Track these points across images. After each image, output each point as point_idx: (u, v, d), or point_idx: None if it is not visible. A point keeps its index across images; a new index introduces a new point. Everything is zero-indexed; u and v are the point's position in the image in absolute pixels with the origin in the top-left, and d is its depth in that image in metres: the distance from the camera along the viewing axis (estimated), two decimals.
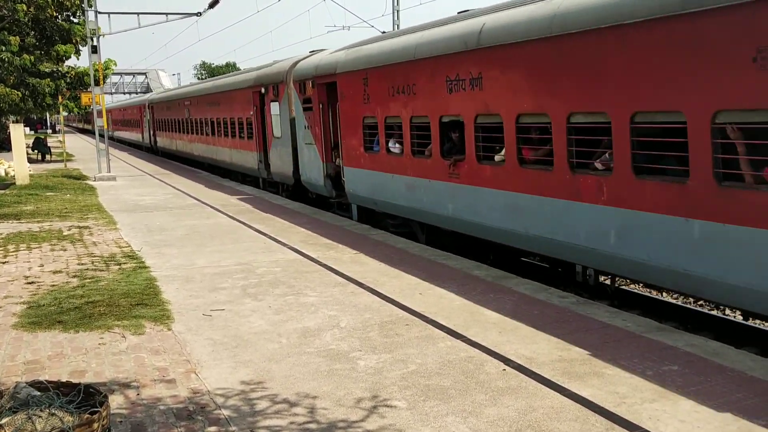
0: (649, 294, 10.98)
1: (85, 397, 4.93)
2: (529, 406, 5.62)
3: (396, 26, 33.67)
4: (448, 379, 6.24)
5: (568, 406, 5.59)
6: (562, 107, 9.10)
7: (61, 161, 36.19)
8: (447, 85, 11.49)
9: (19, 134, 25.56)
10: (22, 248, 13.07)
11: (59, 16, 29.69)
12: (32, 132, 77.89)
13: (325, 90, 16.70)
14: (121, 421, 5.48)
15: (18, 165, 25.30)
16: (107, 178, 27.03)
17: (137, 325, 8.06)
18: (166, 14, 30.55)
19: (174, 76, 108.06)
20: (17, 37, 28.30)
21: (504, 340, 7.21)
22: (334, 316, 8.27)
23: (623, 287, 10.99)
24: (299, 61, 19.19)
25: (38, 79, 31.21)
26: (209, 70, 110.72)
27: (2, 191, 22.64)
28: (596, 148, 8.84)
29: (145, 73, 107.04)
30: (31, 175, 26.18)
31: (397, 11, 34.37)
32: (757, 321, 9.17)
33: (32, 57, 29.70)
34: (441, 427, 5.32)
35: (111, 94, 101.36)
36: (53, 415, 4.60)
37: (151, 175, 29.23)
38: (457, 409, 5.61)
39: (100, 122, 28.56)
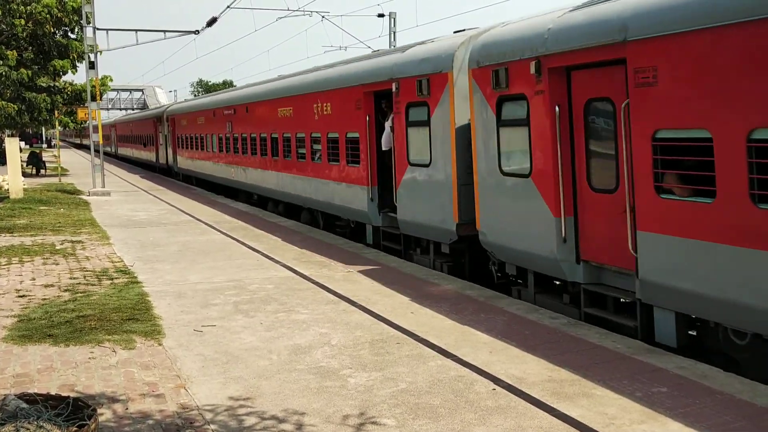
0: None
1: (73, 410, 4.92)
2: (518, 425, 5.63)
3: (393, 46, 33.88)
4: (438, 397, 6.25)
5: (556, 427, 5.60)
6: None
7: (56, 176, 36.17)
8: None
9: (14, 148, 25.55)
10: (14, 262, 13.05)
11: (57, 32, 29.80)
12: (27, 146, 77.78)
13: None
14: None
15: (12, 179, 25.27)
16: (101, 193, 27.01)
17: (128, 339, 8.05)
18: (164, 32, 30.72)
19: (171, 93, 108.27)
20: (14, 51, 28.37)
21: (494, 359, 7.23)
22: (326, 333, 8.28)
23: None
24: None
25: (35, 94, 31.25)
26: (206, 88, 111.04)
27: None
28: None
29: (142, 90, 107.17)
30: (25, 189, 26.13)
31: (394, 32, 34.65)
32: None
33: (29, 72, 29.76)
34: None
35: (107, 109, 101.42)
36: (41, 427, 4.60)
37: (145, 190, 29.24)
38: (446, 428, 5.62)
39: (96, 137, 28.59)
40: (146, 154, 45.36)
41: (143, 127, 46.27)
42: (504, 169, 9.90)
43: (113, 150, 64.30)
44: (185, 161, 33.36)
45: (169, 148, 36.79)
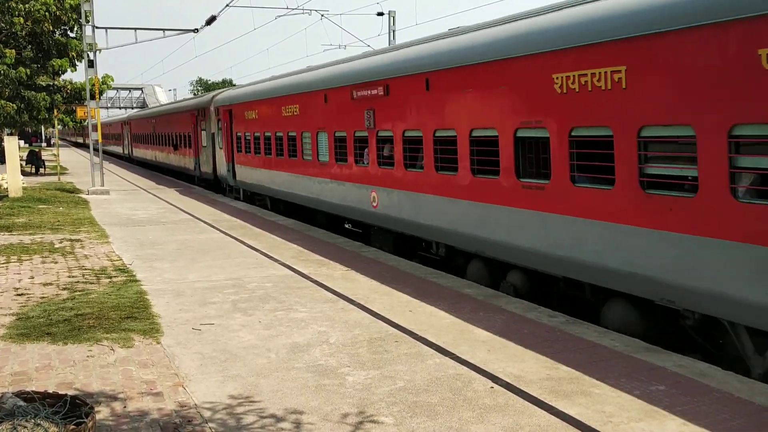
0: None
1: (71, 408, 4.92)
2: (516, 423, 5.63)
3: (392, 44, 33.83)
4: (436, 396, 6.24)
5: (554, 425, 5.60)
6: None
7: (55, 174, 36.15)
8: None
9: (13, 147, 25.53)
10: (13, 260, 13.04)
11: (56, 31, 29.77)
12: (27, 145, 77.82)
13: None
14: None
15: (11, 177, 25.25)
16: (101, 192, 27.01)
17: (126, 338, 8.05)
18: (163, 30, 30.68)
19: (170, 92, 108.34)
20: (13, 50, 28.34)
21: (493, 358, 7.22)
22: (324, 332, 8.28)
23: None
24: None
25: (34, 93, 31.22)
26: (205, 87, 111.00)
27: None
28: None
29: (141, 89, 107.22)
30: (24, 188, 26.12)
31: (393, 31, 34.64)
32: None
33: (28, 70, 29.73)
34: None
35: (107, 108, 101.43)
36: (38, 425, 4.59)
37: (144, 189, 29.23)
38: (444, 426, 5.61)
39: (95, 136, 28.58)
40: (178, 160, 35.02)
41: (174, 124, 35.35)
42: None
43: (126, 152, 55.20)
44: (252, 173, 22.79)
45: (220, 152, 26.45)
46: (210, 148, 28.02)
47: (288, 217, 19.13)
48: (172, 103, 48.01)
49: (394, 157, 13.23)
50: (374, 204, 14.02)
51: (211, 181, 28.53)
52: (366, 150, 14.36)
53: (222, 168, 26.49)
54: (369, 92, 13.99)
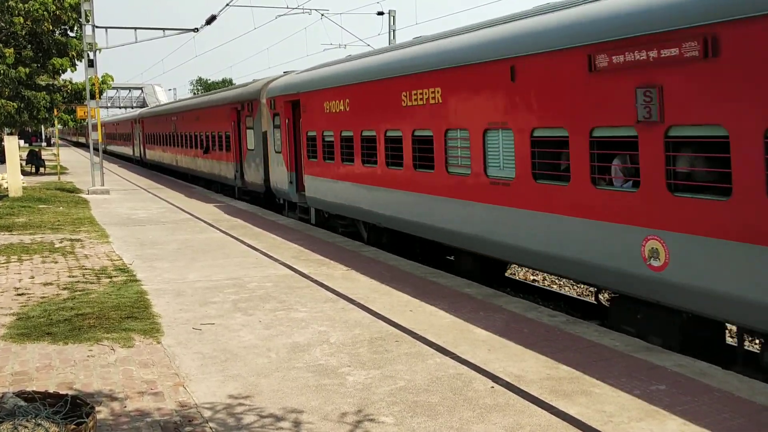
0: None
1: (71, 408, 4.92)
2: (517, 423, 5.63)
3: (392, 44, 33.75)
4: (436, 395, 6.25)
5: (555, 424, 5.60)
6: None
7: (55, 174, 36.14)
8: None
9: (13, 146, 25.52)
10: (13, 260, 13.04)
11: (56, 30, 29.77)
12: (27, 144, 77.84)
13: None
14: None
15: (11, 177, 25.26)
16: (101, 192, 27.01)
17: (126, 337, 8.05)
18: (163, 29, 30.66)
19: (170, 92, 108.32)
20: (12, 49, 28.33)
21: (493, 357, 7.23)
22: (324, 331, 8.28)
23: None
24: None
25: (34, 92, 31.21)
26: (205, 86, 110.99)
27: None
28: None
29: (141, 88, 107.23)
30: (24, 188, 26.12)
31: (393, 30, 34.64)
32: None
33: (28, 70, 29.72)
34: None
35: (107, 108, 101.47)
36: (39, 425, 4.59)
37: (144, 189, 29.23)
38: (445, 425, 5.62)
39: (95, 136, 28.59)
40: (210, 166, 28.93)
41: (205, 121, 29.05)
42: None
43: (137, 154, 48.95)
44: (334, 188, 16.06)
45: (277, 157, 19.93)
46: (260, 152, 21.89)
47: (395, 254, 13.34)
48: (202, 95, 39.20)
49: (731, 176, 6.86)
50: (654, 263, 7.72)
51: (261, 194, 22.47)
52: (616, 161, 8.43)
53: (280, 178, 19.80)
54: (650, 55, 7.63)
